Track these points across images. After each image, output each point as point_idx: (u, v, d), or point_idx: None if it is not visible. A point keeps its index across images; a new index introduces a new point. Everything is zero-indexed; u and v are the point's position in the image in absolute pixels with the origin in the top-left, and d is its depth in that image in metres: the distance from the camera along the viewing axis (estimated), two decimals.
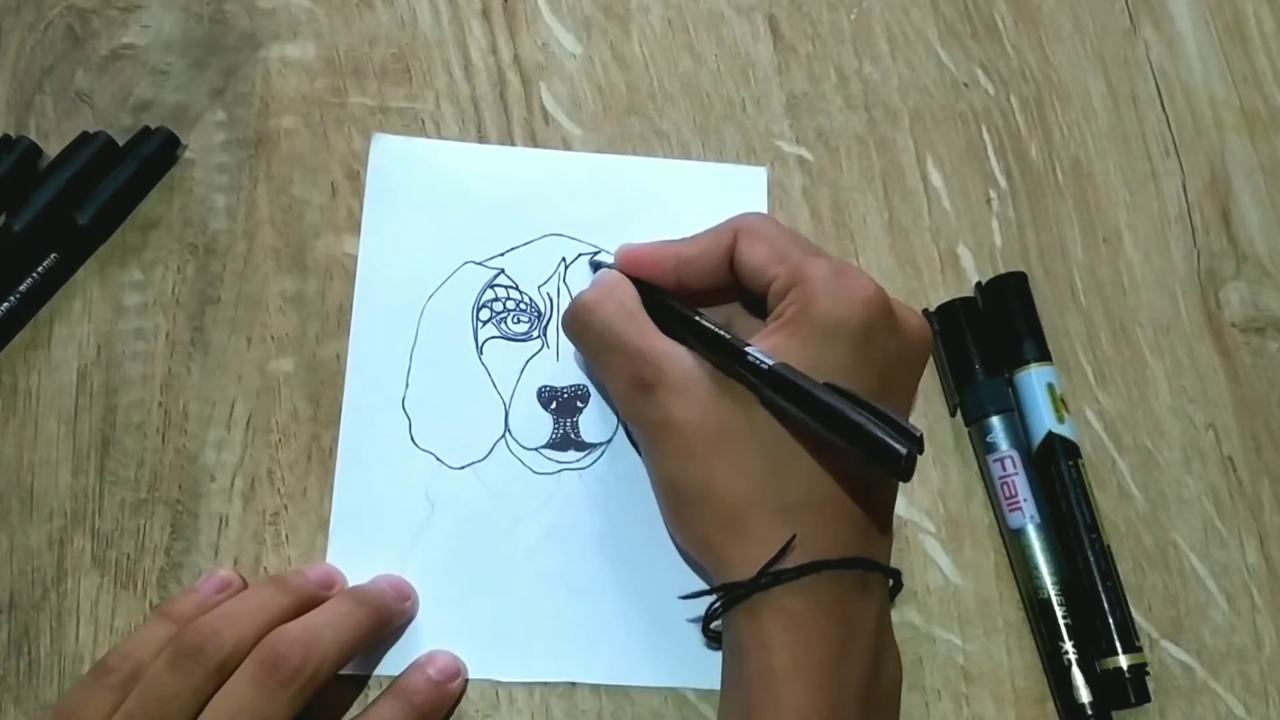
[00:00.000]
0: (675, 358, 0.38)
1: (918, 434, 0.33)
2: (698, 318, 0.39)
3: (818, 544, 0.35)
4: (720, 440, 0.36)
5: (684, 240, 0.41)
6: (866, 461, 0.33)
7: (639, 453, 0.44)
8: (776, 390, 0.35)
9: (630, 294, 0.41)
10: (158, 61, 0.48)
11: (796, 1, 0.51)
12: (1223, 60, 0.52)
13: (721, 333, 0.38)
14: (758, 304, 0.39)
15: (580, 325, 0.41)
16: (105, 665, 0.37)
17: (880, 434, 0.32)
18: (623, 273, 0.42)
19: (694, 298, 0.41)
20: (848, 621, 0.36)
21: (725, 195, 0.48)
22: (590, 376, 0.45)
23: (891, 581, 0.38)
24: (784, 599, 0.35)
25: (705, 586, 0.41)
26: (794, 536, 0.35)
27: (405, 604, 0.41)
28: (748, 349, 0.36)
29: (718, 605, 0.37)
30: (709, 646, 0.41)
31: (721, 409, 0.37)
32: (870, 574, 0.36)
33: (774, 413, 0.36)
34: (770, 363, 0.35)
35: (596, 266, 0.46)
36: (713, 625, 0.38)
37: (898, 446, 0.32)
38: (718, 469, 0.36)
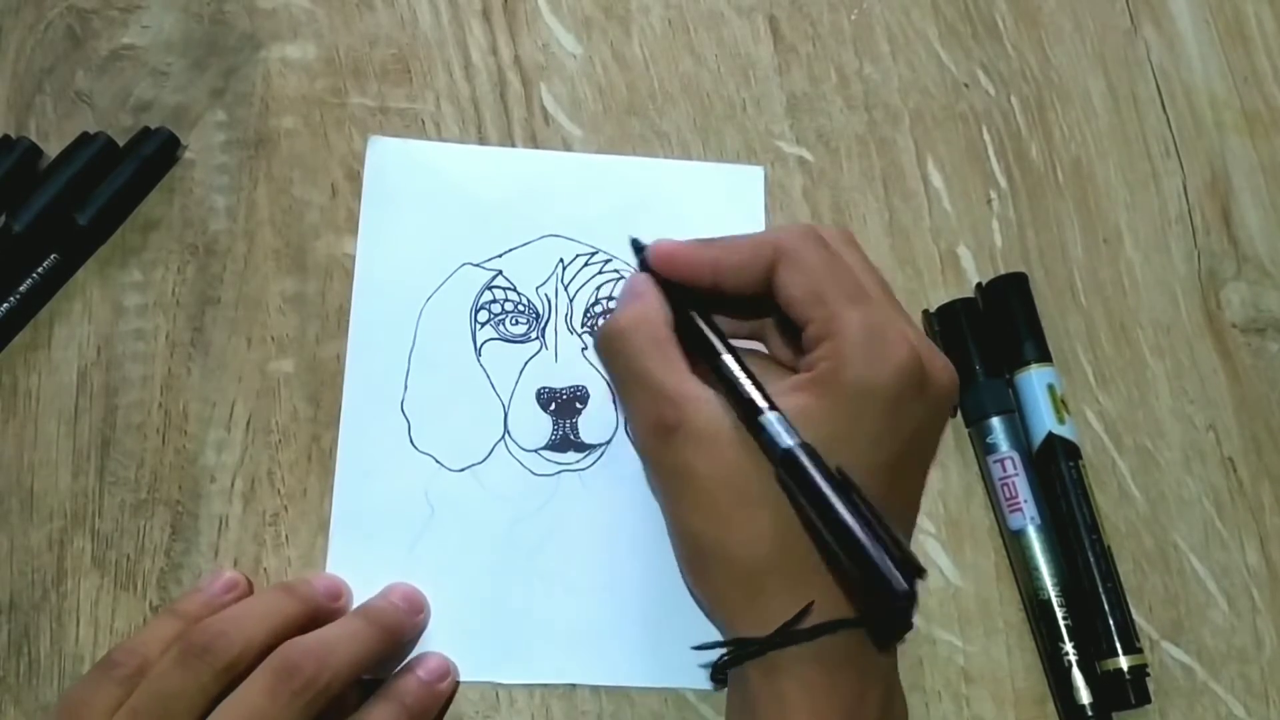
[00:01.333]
0: (700, 401, 0.36)
1: (922, 571, 0.32)
2: (725, 356, 0.37)
3: (832, 603, 0.35)
4: (738, 498, 0.35)
5: (723, 244, 0.39)
6: (863, 580, 0.32)
7: (655, 496, 0.42)
8: (787, 473, 0.34)
9: (663, 317, 0.39)
10: (158, 62, 0.48)
11: (797, 2, 0.51)
12: (1223, 60, 0.52)
13: (747, 388, 0.36)
14: (791, 321, 0.38)
15: (611, 352, 0.39)
16: (111, 659, 0.37)
17: (880, 564, 0.31)
18: (656, 271, 0.40)
19: (728, 302, 0.40)
20: (862, 673, 0.35)
21: (723, 195, 0.48)
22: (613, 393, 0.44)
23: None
24: (800, 658, 0.34)
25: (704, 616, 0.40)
26: (811, 603, 0.34)
27: (418, 617, 0.41)
28: (763, 421, 0.35)
29: (727, 657, 0.36)
30: (714, 689, 0.41)
31: (742, 464, 0.35)
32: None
33: (782, 487, 0.35)
34: (788, 444, 0.34)
35: (638, 247, 0.42)
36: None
37: (896, 584, 0.31)
38: (735, 528, 0.35)
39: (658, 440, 0.37)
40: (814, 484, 0.33)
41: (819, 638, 0.34)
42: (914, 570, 0.31)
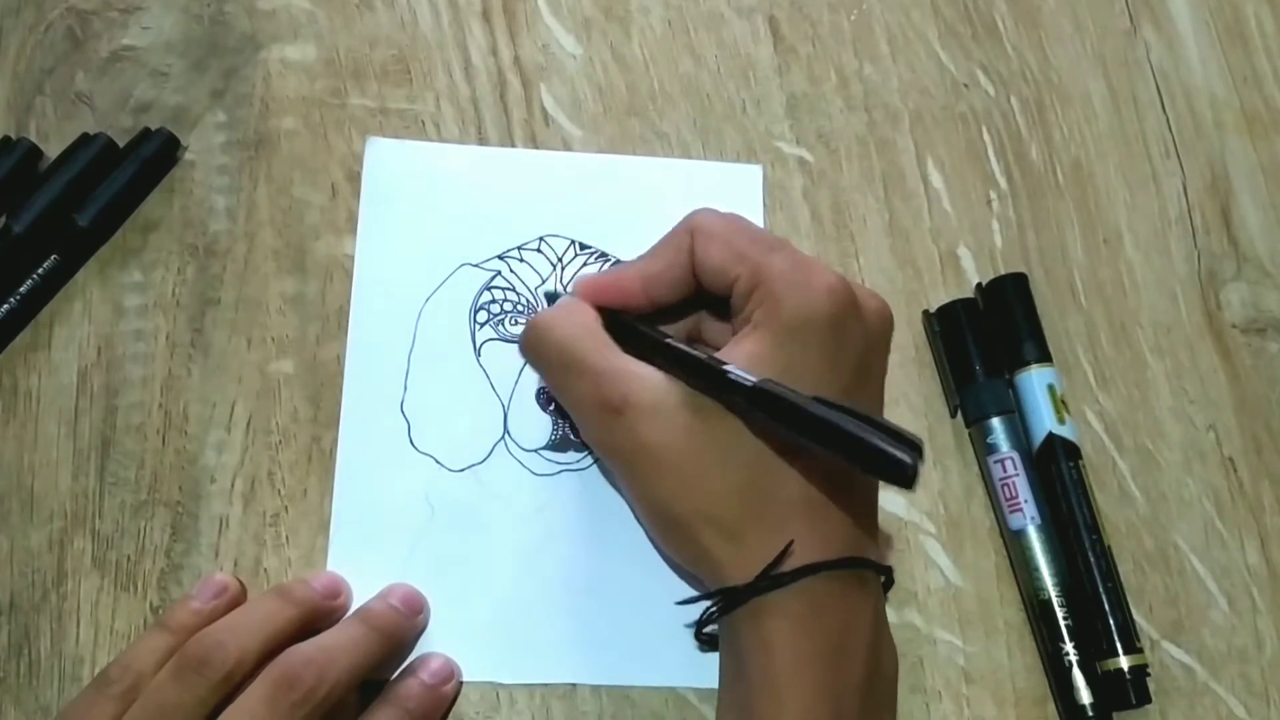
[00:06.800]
0: (641, 377, 0.37)
1: (919, 442, 0.32)
2: (669, 340, 0.38)
3: (811, 546, 0.35)
4: (703, 459, 0.36)
5: (643, 258, 0.40)
6: (869, 473, 0.32)
7: (605, 475, 0.43)
8: (764, 409, 0.34)
9: (589, 314, 0.39)
10: (158, 63, 0.48)
11: (797, 3, 0.51)
12: (1223, 61, 0.52)
13: (697, 354, 0.37)
14: (720, 303, 0.39)
15: (538, 346, 0.40)
16: (106, 677, 0.37)
17: (885, 446, 0.32)
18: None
19: (661, 314, 0.40)
20: (847, 620, 0.36)
21: (721, 193, 0.48)
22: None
23: (884, 578, 0.38)
24: (784, 602, 0.35)
25: (694, 590, 0.41)
26: (791, 542, 0.35)
27: (417, 619, 0.41)
28: (727, 369, 0.35)
29: (714, 610, 0.37)
30: (701, 649, 0.41)
31: (699, 426, 0.36)
32: (865, 571, 0.36)
33: (763, 427, 0.35)
34: (752, 381, 0.34)
35: (552, 299, 0.45)
36: (706, 630, 0.38)
37: (903, 458, 0.32)
38: (707, 491, 0.36)
39: (606, 422, 0.37)
40: (792, 404, 0.33)
41: (802, 579, 0.35)
42: (913, 446, 0.32)
